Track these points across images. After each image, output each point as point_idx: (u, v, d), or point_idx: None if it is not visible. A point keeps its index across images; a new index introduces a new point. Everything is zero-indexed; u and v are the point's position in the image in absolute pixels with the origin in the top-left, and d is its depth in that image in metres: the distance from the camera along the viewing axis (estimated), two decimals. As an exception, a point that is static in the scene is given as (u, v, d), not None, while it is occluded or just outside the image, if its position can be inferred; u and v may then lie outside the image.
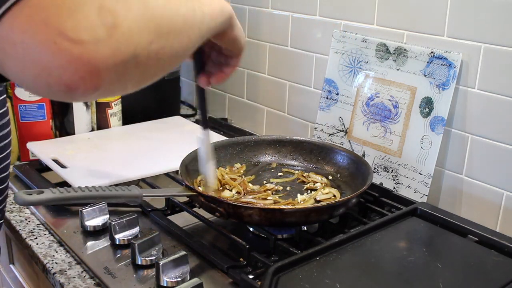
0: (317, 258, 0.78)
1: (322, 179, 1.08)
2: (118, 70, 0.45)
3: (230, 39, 0.72)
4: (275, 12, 1.43)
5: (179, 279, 0.79)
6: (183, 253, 0.81)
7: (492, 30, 0.98)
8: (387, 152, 1.15)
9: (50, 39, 0.41)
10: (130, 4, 0.45)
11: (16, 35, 0.41)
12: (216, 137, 1.38)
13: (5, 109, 0.86)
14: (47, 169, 1.18)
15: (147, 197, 0.98)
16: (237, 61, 0.79)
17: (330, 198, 1.00)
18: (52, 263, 0.89)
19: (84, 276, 0.85)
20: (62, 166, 1.15)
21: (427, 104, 1.08)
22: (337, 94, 1.26)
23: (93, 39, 0.42)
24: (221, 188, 1.04)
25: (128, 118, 1.46)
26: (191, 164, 1.05)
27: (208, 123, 0.90)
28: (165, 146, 1.29)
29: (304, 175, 1.10)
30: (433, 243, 0.88)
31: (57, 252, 0.92)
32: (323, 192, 1.02)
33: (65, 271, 0.87)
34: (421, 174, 1.08)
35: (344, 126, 1.24)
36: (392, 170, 1.14)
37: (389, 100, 1.15)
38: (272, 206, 0.95)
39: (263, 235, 0.93)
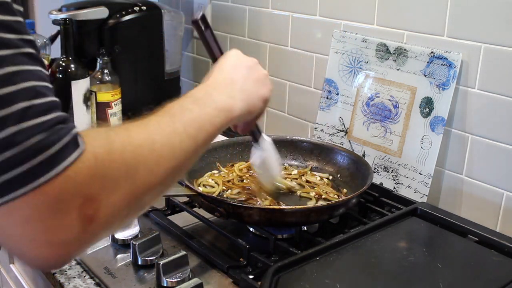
0: (317, 258, 0.78)
1: (323, 180, 1.08)
2: (88, 247, 0.50)
3: (250, 118, 0.75)
4: (275, 12, 1.43)
5: (179, 279, 0.79)
6: (183, 253, 0.81)
7: (492, 30, 0.98)
8: (387, 152, 1.15)
9: (25, 239, 0.44)
10: (116, 186, 0.47)
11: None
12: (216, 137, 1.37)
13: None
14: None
15: (147, 197, 0.98)
16: (259, 117, 0.80)
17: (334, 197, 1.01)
18: (52, 263, 0.89)
19: (84, 276, 0.85)
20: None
21: (427, 104, 1.08)
22: (337, 94, 1.26)
23: (66, 240, 0.44)
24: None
25: (128, 118, 1.46)
26: (191, 164, 1.05)
27: (257, 138, 0.89)
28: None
29: (305, 175, 1.10)
30: (433, 243, 0.88)
31: (57, 252, 0.92)
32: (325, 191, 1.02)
33: (65, 271, 0.87)
34: (421, 174, 1.08)
35: (344, 126, 1.24)
36: (392, 170, 1.14)
37: (389, 100, 1.15)
38: (272, 206, 0.95)
39: (263, 235, 0.93)
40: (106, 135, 0.49)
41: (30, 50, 0.44)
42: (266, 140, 0.90)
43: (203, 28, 0.78)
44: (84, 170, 0.44)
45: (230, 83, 0.71)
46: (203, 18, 0.78)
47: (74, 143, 0.44)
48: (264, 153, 0.90)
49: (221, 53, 0.80)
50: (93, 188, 0.45)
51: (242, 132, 0.83)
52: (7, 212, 0.42)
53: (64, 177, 0.43)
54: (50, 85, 0.45)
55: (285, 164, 1.16)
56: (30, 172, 0.41)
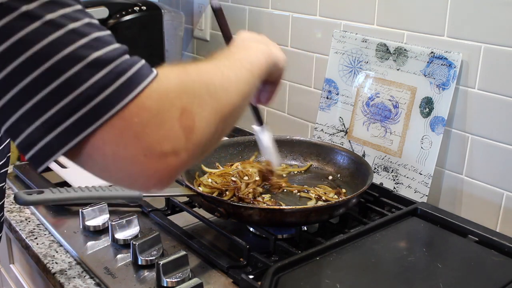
0: (317, 258, 0.78)
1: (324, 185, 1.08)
2: (192, 163, 0.52)
3: (275, 75, 0.79)
4: (275, 12, 1.43)
5: (179, 279, 0.79)
6: (183, 253, 0.81)
7: (492, 30, 0.98)
8: (387, 152, 1.15)
9: (139, 153, 0.46)
10: (203, 101, 0.51)
11: (107, 147, 0.45)
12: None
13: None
14: (47, 169, 1.17)
15: (147, 197, 0.98)
16: (279, 79, 0.83)
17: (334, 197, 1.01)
18: (52, 263, 0.89)
19: (84, 276, 0.85)
20: (62, 166, 1.15)
21: (427, 104, 1.08)
22: (337, 94, 1.26)
23: (175, 149, 0.47)
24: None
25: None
26: (191, 164, 1.05)
27: (262, 120, 0.96)
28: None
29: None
30: (433, 243, 0.88)
31: (57, 252, 0.92)
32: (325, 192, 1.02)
33: (65, 271, 0.87)
34: (421, 174, 1.08)
35: (344, 126, 1.24)
36: (392, 170, 1.14)
37: (389, 100, 1.15)
38: (272, 206, 0.95)
39: (263, 235, 0.93)
40: (179, 66, 0.54)
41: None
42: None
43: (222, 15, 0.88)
44: (170, 86, 0.48)
45: (257, 40, 0.77)
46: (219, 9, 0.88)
47: (148, 66, 0.48)
48: (268, 133, 0.97)
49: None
50: (183, 102, 0.48)
51: (266, 101, 0.87)
52: (114, 135, 0.44)
53: (156, 91, 0.46)
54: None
55: (285, 164, 1.16)
56: (122, 88, 0.44)
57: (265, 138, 0.97)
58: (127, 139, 0.45)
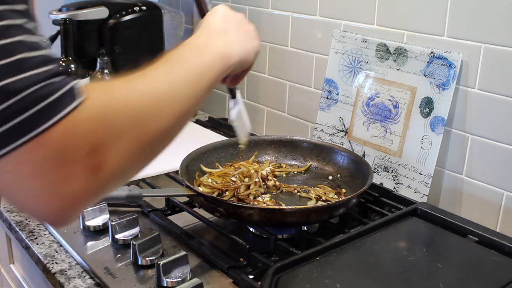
0: (317, 258, 0.78)
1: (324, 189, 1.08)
2: (98, 198, 0.49)
3: (240, 69, 0.75)
4: (275, 12, 1.43)
5: (179, 279, 0.79)
6: (183, 253, 0.81)
7: (492, 30, 0.98)
8: (387, 152, 1.15)
9: (36, 191, 0.43)
10: (123, 133, 0.47)
11: (4, 176, 0.43)
12: (216, 137, 1.38)
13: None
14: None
15: (147, 197, 0.98)
16: (249, 69, 0.81)
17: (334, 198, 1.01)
18: (52, 263, 0.89)
19: (84, 276, 0.85)
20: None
21: (427, 104, 1.08)
22: (337, 94, 1.26)
23: (76, 189, 0.44)
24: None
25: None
26: (191, 164, 1.05)
27: (235, 95, 0.93)
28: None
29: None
30: (433, 243, 0.88)
31: (57, 252, 0.92)
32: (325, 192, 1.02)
33: (65, 271, 0.87)
34: (421, 174, 1.08)
35: (344, 126, 1.24)
36: (392, 170, 1.14)
37: (389, 100, 1.15)
38: (272, 206, 0.95)
39: (263, 235, 0.93)
40: (107, 87, 0.50)
41: (22, 6, 0.44)
42: (239, 95, 0.94)
43: None
44: (86, 120, 0.44)
45: (224, 31, 0.72)
46: None
47: (71, 95, 0.43)
48: (239, 106, 0.94)
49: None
50: (97, 137, 0.44)
51: (232, 84, 0.84)
52: (12, 167, 0.42)
53: (65, 127, 0.42)
54: (44, 40, 0.45)
55: (285, 164, 1.16)
56: (27, 122, 0.41)
57: (233, 111, 0.95)
58: (25, 174, 0.43)
